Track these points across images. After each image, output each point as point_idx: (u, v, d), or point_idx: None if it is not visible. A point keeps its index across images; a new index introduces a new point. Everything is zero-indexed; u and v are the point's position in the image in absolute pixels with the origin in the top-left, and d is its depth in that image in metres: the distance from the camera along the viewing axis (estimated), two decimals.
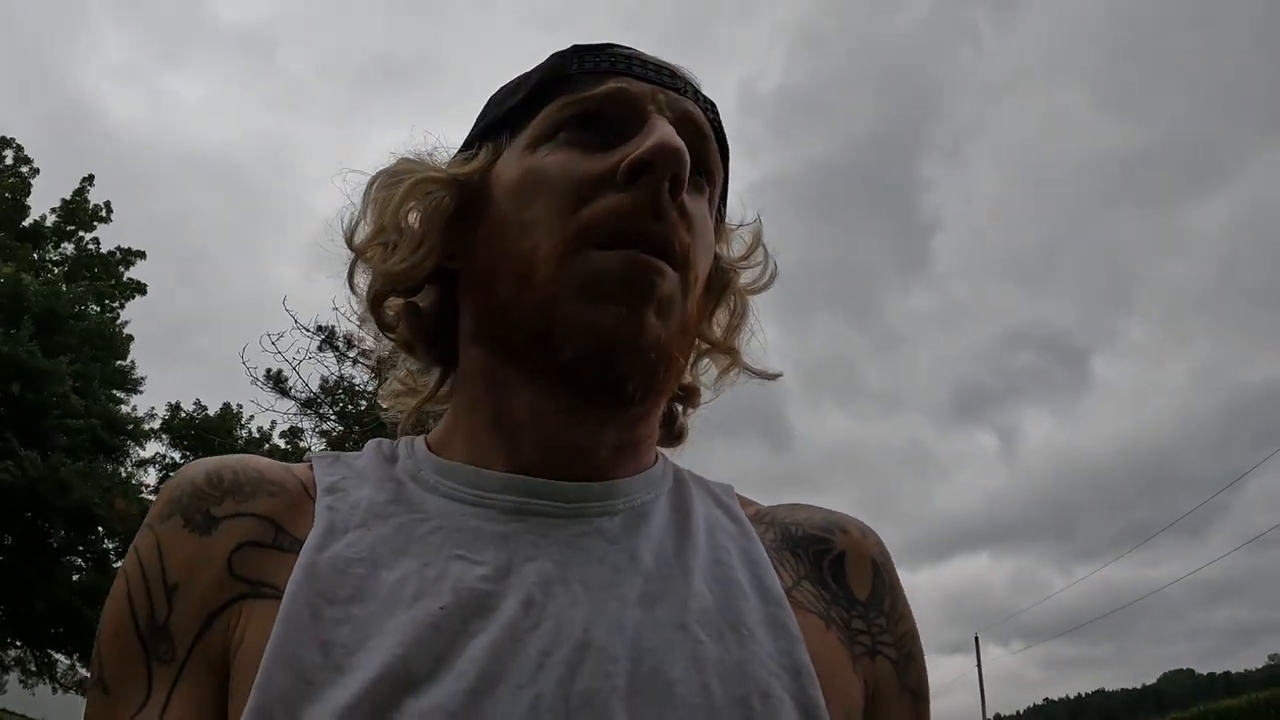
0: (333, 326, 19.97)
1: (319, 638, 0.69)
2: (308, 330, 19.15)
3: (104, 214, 26.49)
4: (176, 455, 27.75)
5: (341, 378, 20.69)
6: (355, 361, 20.52)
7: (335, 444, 21.35)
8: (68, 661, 23.54)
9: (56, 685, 23.53)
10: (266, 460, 0.85)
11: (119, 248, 26.83)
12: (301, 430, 21.76)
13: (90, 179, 26.56)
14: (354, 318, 0.97)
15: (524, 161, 0.84)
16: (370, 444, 0.91)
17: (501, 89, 0.94)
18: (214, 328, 59.25)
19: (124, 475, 25.32)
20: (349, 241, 0.91)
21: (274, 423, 22.55)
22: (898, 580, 0.90)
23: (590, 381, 0.78)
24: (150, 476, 27.78)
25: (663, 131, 0.78)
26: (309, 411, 20.71)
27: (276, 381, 19.38)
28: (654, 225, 0.78)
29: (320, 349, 19.76)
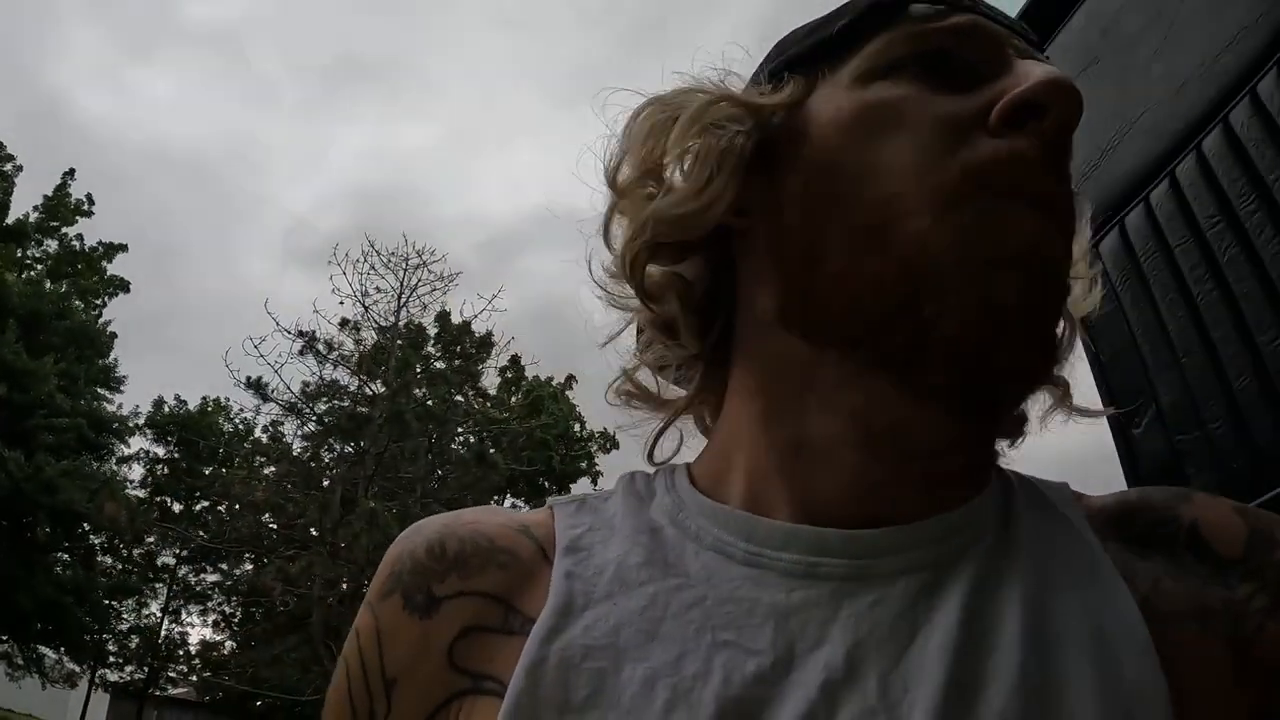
0: (313, 331, 20.30)
1: None
2: (289, 333, 19.41)
3: (86, 208, 26.56)
4: (160, 450, 27.93)
5: (323, 380, 21.03)
6: (336, 365, 20.90)
7: (317, 442, 21.77)
8: (55, 656, 23.72)
9: (45, 680, 23.72)
10: (499, 520, 0.72)
11: (101, 242, 26.93)
12: (283, 432, 21.99)
13: (71, 173, 26.70)
14: (597, 281, 0.77)
15: (857, 96, 0.65)
16: (622, 480, 0.75)
17: (804, 26, 0.75)
18: (187, 321, 59.15)
19: (109, 473, 25.48)
20: (611, 180, 0.71)
21: (257, 417, 22.83)
22: (1271, 515, 0.68)
23: (975, 374, 0.59)
24: (135, 472, 27.93)
25: (1045, 69, 0.61)
26: (290, 415, 20.95)
27: (257, 388, 19.60)
28: (1054, 184, 0.61)
29: (302, 354, 20.04)
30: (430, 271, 22.09)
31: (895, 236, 0.59)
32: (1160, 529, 0.66)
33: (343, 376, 21.37)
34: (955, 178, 0.59)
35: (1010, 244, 0.58)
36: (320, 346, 20.54)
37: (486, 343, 23.58)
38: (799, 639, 0.58)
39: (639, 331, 0.78)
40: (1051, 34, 2.24)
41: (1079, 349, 0.76)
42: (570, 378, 33.75)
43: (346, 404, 20.88)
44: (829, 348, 0.63)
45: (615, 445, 35.08)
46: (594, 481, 35.02)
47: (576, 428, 33.09)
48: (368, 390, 20.81)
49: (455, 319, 23.37)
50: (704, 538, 0.65)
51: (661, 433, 0.79)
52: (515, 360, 26.29)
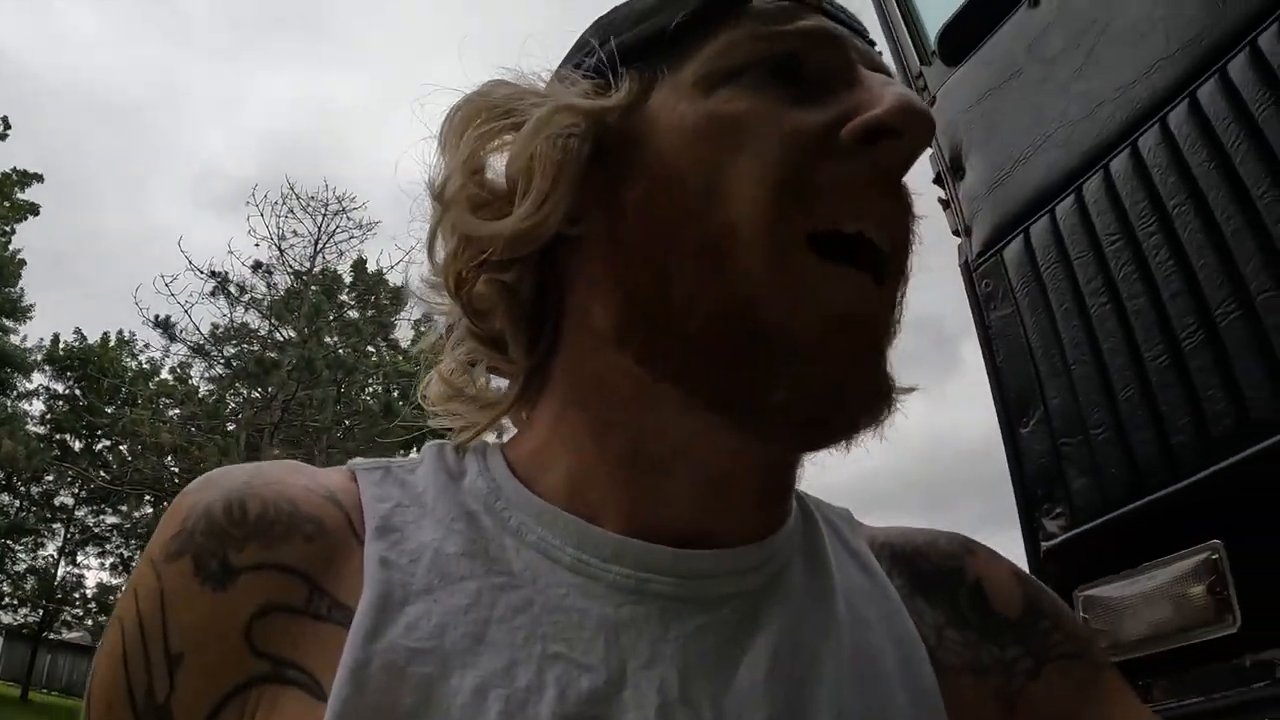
0: (226, 272, 19.92)
1: None
2: (201, 272, 19.02)
3: (1, 130, 25.60)
4: (60, 387, 27.18)
5: (233, 323, 20.66)
6: (247, 308, 20.53)
7: (224, 385, 21.38)
8: None
9: None
10: (302, 481, 0.65)
11: (15, 169, 26.00)
12: (190, 374, 21.58)
13: None
14: (421, 287, 0.75)
15: (702, 105, 0.62)
16: (429, 450, 0.71)
17: (628, 6, 0.71)
18: (96, 257, 57.51)
19: (7, 408, 24.78)
20: (436, 192, 0.67)
21: (165, 358, 22.35)
22: (1041, 585, 0.74)
23: (814, 437, 0.60)
24: (36, 408, 27.18)
25: (900, 92, 0.60)
26: (198, 357, 20.57)
27: (165, 327, 19.20)
28: (887, 205, 0.62)
29: (213, 294, 19.66)
30: (349, 219, 21.83)
31: (734, 270, 0.58)
32: (947, 578, 0.71)
33: (253, 320, 21.06)
34: (785, 215, 0.58)
35: (839, 305, 0.58)
36: (232, 288, 20.22)
37: (400, 294, 23.34)
38: (630, 656, 0.57)
39: (448, 330, 0.75)
40: (977, 43, 2.32)
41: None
42: None
43: (256, 348, 20.54)
44: (664, 373, 0.60)
45: None
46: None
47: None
48: (278, 335, 20.54)
49: (372, 269, 23.10)
50: (525, 534, 0.63)
51: (478, 433, 0.74)
52: (428, 314, 25.96)
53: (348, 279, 23.02)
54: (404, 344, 25.76)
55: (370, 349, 22.43)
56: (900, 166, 0.61)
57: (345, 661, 0.54)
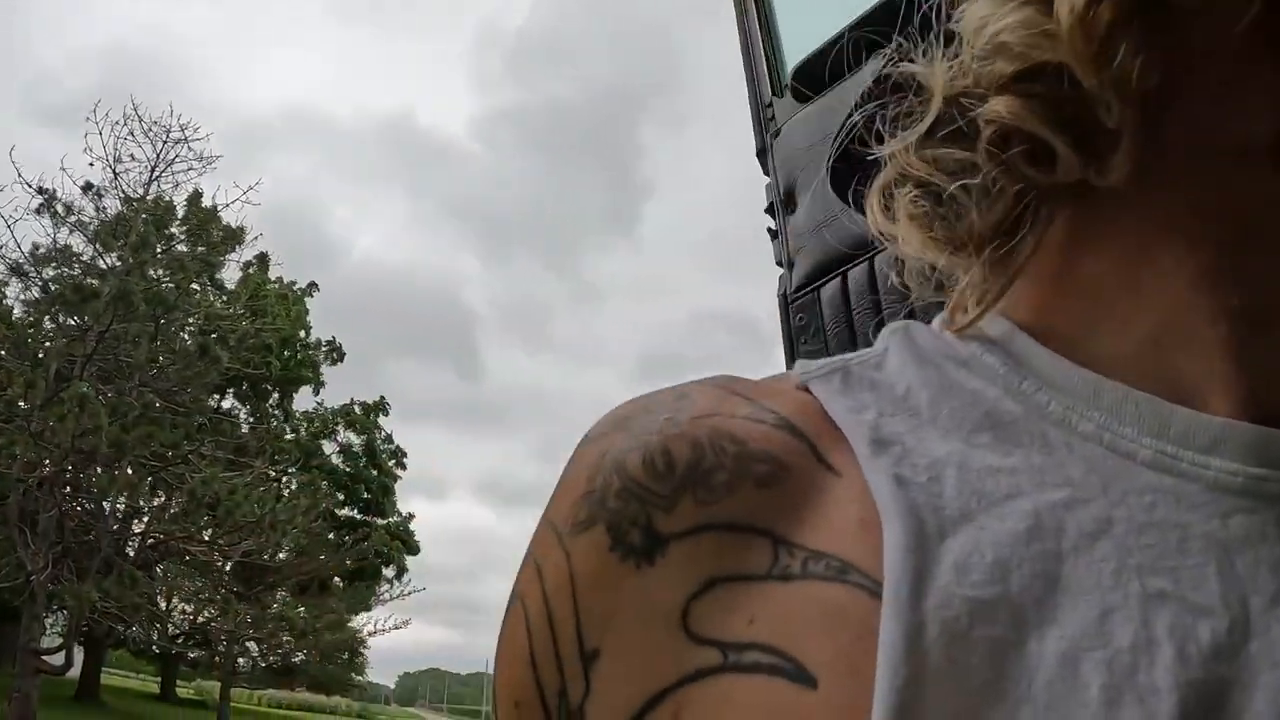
0: (55, 190, 18.92)
1: None
2: (30, 186, 18.02)
3: None
4: None
5: (56, 245, 19.62)
6: (73, 230, 19.55)
7: (40, 310, 20.24)
8: None
9: None
10: (744, 405, 0.49)
11: None
12: (4, 294, 20.41)
13: None
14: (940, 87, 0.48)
15: None
16: (894, 336, 0.53)
17: None
18: None
19: None
20: None
21: None
22: None
23: None
24: None
25: None
26: (15, 277, 19.47)
27: None
28: None
29: (39, 212, 18.65)
30: (190, 149, 21.03)
31: None
32: None
33: (78, 244, 20.06)
34: None
35: None
36: (59, 208, 19.21)
37: (234, 234, 22.61)
38: (1251, 590, 0.41)
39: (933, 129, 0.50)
40: (827, 86, 2.43)
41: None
42: (312, 284, 32.82)
43: (77, 273, 19.57)
44: None
45: (342, 358, 34.46)
46: (316, 391, 34.19)
47: (302, 334, 32.23)
48: (101, 263, 19.58)
49: (207, 204, 22.29)
50: (1076, 423, 0.46)
51: (996, 298, 0.51)
52: (262, 257, 25.31)
53: (181, 211, 22.16)
54: (230, 285, 25.00)
55: (195, 287, 21.64)
56: None
57: (893, 630, 0.38)
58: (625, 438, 0.48)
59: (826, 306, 2.16)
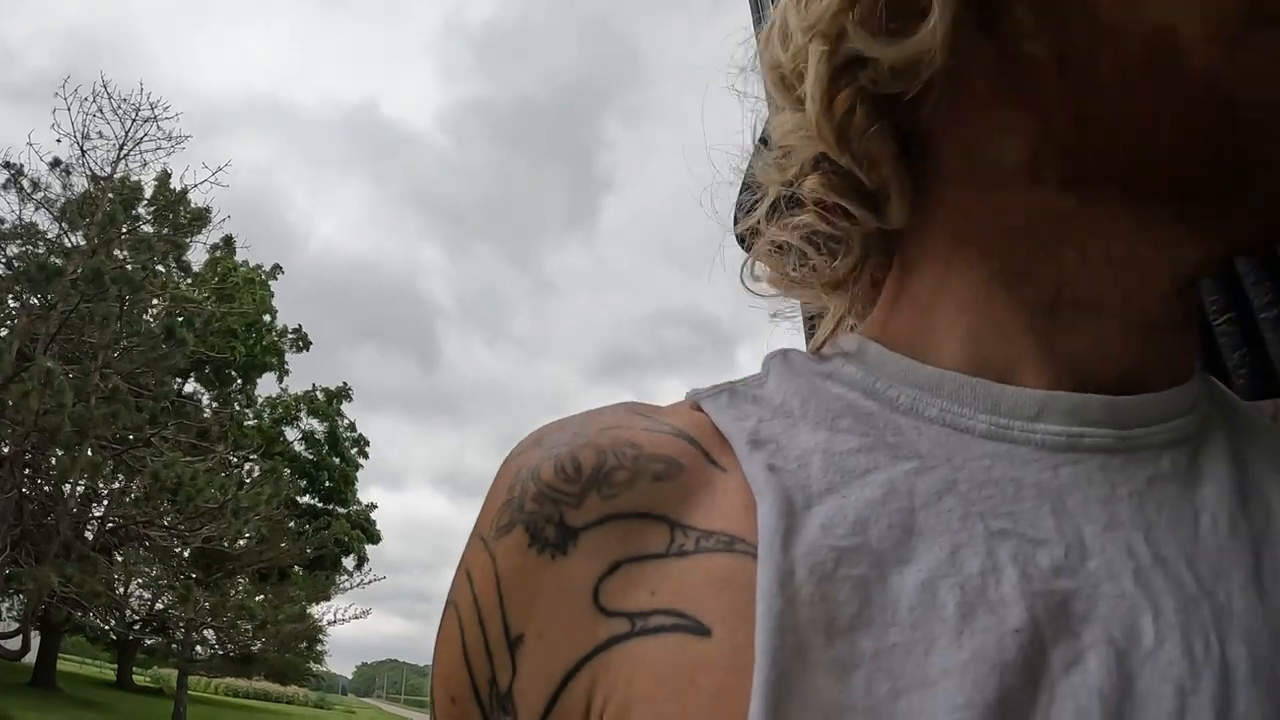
0: (21, 165, 18.60)
1: (823, 701, 0.43)
2: None
3: None
4: None
5: (21, 221, 19.29)
6: (39, 207, 19.22)
7: (3, 288, 19.93)
8: None
9: None
10: (642, 423, 0.57)
11: None
12: None
13: None
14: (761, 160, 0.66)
15: None
16: (772, 359, 0.63)
17: None
18: None
19: None
20: (816, 19, 0.56)
21: None
22: None
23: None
24: None
25: None
26: None
27: None
28: None
29: (4, 187, 18.34)
30: (160, 128, 20.74)
31: (1180, 73, 0.49)
32: None
33: (43, 221, 19.74)
34: (1233, 6, 0.49)
35: None
36: (25, 184, 18.89)
37: (202, 216, 22.36)
38: (1084, 521, 0.49)
39: (774, 203, 0.66)
40: None
41: None
42: (276, 267, 32.49)
43: (42, 251, 19.27)
44: (1100, 200, 0.54)
45: (308, 345, 34.20)
46: (280, 378, 33.91)
47: (268, 319, 31.95)
48: (67, 241, 19.28)
49: (175, 185, 22.01)
50: (923, 410, 0.55)
51: (841, 320, 0.68)
52: (228, 240, 24.97)
53: (149, 190, 21.88)
54: (196, 268, 24.73)
55: (161, 268, 21.37)
56: None
57: (766, 574, 0.46)
58: (539, 452, 0.56)
59: None
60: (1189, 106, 0.50)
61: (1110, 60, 0.51)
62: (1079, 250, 0.55)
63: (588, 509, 0.52)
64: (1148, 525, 0.49)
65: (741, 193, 0.72)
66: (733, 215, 0.74)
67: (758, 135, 0.69)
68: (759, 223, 0.67)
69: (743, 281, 0.71)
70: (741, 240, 0.73)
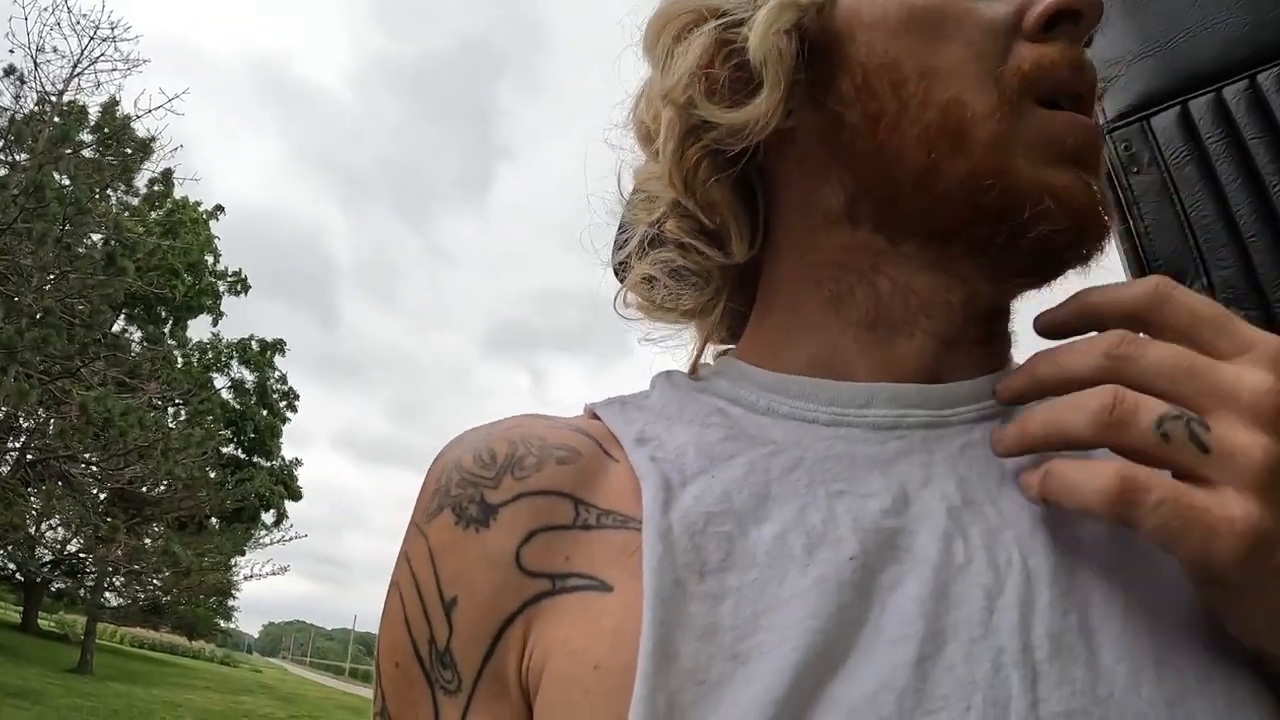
0: None
1: (699, 623, 0.54)
2: None
3: None
4: None
5: None
6: None
7: None
8: None
9: None
10: (546, 422, 0.69)
11: None
12: None
13: None
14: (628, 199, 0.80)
15: (901, 0, 0.68)
16: (658, 378, 0.76)
17: None
18: None
19: None
20: (670, 88, 0.70)
21: None
22: None
23: (1056, 263, 0.65)
24: None
25: None
26: None
27: None
28: (1085, 84, 0.67)
29: None
30: (118, 49, 19.94)
31: (972, 140, 0.63)
32: None
33: None
34: (1012, 86, 0.64)
35: (1062, 146, 0.64)
36: None
37: (145, 146, 21.53)
38: (907, 480, 0.61)
39: (643, 241, 0.78)
40: None
41: None
42: (218, 207, 31.63)
43: None
44: (906, 241, 0.67)
45: (247, 289, 33.37)
46: (215, 322, 32.97)
47: (210, 260, 31.09)
48: (9, 156, 18.38)
49: (130, 110, 21.16)
50: (778, 409, 0.67)
51: (705, 344, 0.80)
52: (166, 174, 24.03)
53: (94, 116, 20.99)
54: (136, 201, 23.86)
55: (109, 193, 20.53)
56: (1082, 44, 0.67)
57: (649, 531, 0.57)
58: (460, 448, 0.66)
59: (1161, 136, 1.95)
60: (974, 171, 0.63)
61: (912, 126, 0.65)
62: (891, 280, 0.68)
63: (504, 489, 0.63)
64: (960, 479, 0.61)
65: (619, 231, 0.84)
66: (612, 250, 0.86)
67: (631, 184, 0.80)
68: (629, 258, 0.79)
69: (615, 309, 0.82)
70: (617, 273, 0.85)
